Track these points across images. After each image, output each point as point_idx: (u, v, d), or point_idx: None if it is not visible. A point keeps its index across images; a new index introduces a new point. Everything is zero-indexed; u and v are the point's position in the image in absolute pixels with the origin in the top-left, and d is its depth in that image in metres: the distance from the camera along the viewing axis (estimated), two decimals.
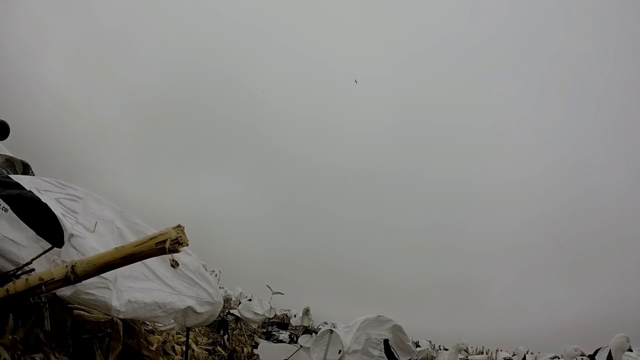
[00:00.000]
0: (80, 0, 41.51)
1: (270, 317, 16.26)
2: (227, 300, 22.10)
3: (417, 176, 52.55)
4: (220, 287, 23.59)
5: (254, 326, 15.72)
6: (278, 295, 18.16)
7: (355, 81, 45.77)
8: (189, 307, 4.51)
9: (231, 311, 15.75)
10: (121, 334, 4.78)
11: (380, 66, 62.42)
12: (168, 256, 3.34)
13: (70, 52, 40.87)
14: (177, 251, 3.11)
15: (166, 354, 6.79)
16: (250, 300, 16.17)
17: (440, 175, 53.05)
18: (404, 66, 60.19)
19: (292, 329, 15.53)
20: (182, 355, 5.99)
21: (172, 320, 4.89)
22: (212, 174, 47.34)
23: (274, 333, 13.10)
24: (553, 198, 45.97)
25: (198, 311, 4.61)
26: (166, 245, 3.03)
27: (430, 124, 56.23)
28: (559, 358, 16.47)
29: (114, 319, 4.43)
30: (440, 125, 55.78)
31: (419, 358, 16.93)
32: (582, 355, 9.77)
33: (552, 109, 50.87)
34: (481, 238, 43.44)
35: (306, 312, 15.67)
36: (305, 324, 15.71)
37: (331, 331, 6.41)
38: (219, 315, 16.22)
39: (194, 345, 6.91)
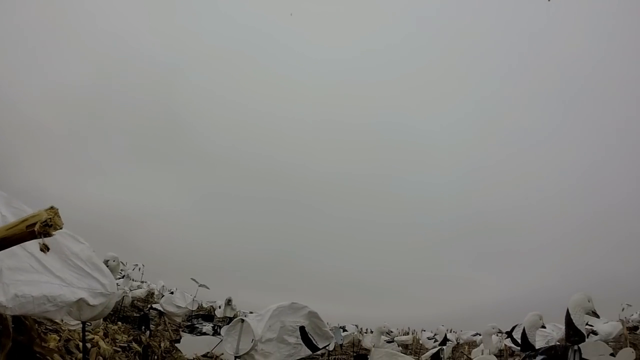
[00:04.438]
0: None
1: (194, 309, 15.80)
2: (150, 294, 21.45)
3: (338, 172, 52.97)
4: (143, 282, 22.92)
5: (178, 320, 15.25)
6: (205, 288, 17.74)
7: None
8: (81, 299, 4.12)
9: (154, 305, 15.23)
10: (10, 330, 4.42)
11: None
12: (39, 240, 3.08)
13: None
14: (49, 234, 2.84)
15: (70, 352, 6.37)
16: (172, 293, 15.64)
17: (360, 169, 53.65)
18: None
19: (217, 321, 15.20)
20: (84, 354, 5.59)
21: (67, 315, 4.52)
22: (137, 166, 45.71)
23: (197, 326, 12.67)
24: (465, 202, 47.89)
25: (91, 303, 4.23)
26: (36, 228, 2.76)
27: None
28: (479, 335, 17.19)
29: (3, 314, 4.08)
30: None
31: (346, 342, 17.08)
32: (500, 332, 10.18)
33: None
34: (395, 231, 44.81)
35: (228, 302, 15.30)
36: (229, 315, 15.39)
37: (242, 320, 6.17)
38: (140, 311, 15.76)
39: (101, 342, 6.48)
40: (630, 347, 10.31)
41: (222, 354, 8.45)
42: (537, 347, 5.84)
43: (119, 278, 14.91)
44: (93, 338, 6.45)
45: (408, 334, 23.19)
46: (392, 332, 20.89)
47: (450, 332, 18.31)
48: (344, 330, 17.85)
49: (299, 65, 58.71)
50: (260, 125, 54.11)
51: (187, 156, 51.55)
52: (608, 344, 10.72)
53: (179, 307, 14.38)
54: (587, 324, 13.97)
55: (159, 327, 13.17)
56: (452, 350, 16.10)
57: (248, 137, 54.20)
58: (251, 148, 52.85)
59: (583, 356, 6.26)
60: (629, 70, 42.01)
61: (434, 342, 15.33)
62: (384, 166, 53.14)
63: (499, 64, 54.31)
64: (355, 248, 43.77)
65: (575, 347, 4.48)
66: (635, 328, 15.99)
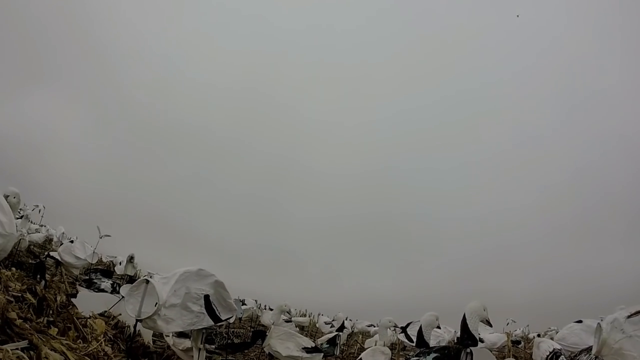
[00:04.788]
0: None
1: (94, 262, 15.07)
2: (48, 240, 20.16)
3: (251, 145, 52.66)
4: (41, 225, 21.54)
5: (76, 272, 14.49)
6: (106, 240, 16.97)
7: None
8: None
9: (51, 253, 14.36)
10: None
11: None
12: None
13: None
14: None
15: None
16: (72, 242, 14.76)
17: (268, 147, 53.70)
18: None
19: (117, 278, 14.61)
20: None
21: None
22: (48, 94, 41.59)
23: (95, 281, 12.02)
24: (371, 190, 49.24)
25: None
26: None
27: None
28: (374, 326, 17.83)
29: None
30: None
31: (244, 315, 17.11)
32: (395, 326, 10.61)
33: None
34: (301, 218, 45.46)
35: (130, 259, 14.65)
36: (130, 273, 14.80)
37: (147, 281, 5.93)
38: (37, 258, 14.88)
39: None
40: (512, 358, 11.19)
41: (120, 314, 8.15)
42: (430, 345, 6.14)
43: (17, 218, 13.95)
44: None
45: (305, 315, 23.59)
46: (290, 312, 21.24)
47: (347, 319, 18.83)
48: (244, 304, 17.86)
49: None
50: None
51: (111, 95, 48.31)
52: (492, 352, 11.59)
53: (78, 258, 13.64)
54: None
55: (55, 278, 12.51)
56: (347, 338, 16.58)
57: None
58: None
59: None
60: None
61: (331, 327, 15.70)
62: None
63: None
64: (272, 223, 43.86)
65: (468, 350, 4.74)
66: (517, 342, 17.29)
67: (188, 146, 49.91)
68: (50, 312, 6.96)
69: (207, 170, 47.78)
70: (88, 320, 7.45)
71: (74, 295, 9.93)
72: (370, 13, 57.95)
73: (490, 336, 15.33)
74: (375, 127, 54.47)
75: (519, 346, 16.89)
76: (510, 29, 48.96)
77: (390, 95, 57.02)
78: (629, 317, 5.73)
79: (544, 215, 40.63)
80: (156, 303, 5.70)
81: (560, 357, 10.33)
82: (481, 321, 5.25)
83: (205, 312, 6.39)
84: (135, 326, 6.46)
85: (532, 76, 50.32)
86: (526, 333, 20.95)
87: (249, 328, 16.13)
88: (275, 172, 50.99)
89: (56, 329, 6.36)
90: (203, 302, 6.36)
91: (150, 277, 6.95)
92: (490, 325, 5.79)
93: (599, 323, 6.17)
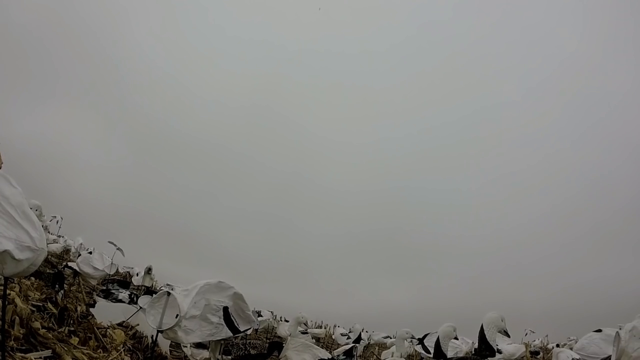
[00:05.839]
0: None
1: (111, 273, 15.25)
2: (66, 251, 20.41)
3: (262, 163, 53.09)
4: (59, 236, 21.75)
5: (94, 282, 14.65)
6: (124, 251, 17.15)
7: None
8: (5, 251, 3.70)
9: (69, 264, 14.55)
10: None
11: None
12: None
13: None
14: None
15: None
16: (90, 253, 14.97)
17: (279, 165, 54.15)
18: None
19: (133, 289, 14.75)
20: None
21: None
22: (68, 106, 41.95)
23: (113, 291, 12.15)
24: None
25: (17, 257, 3.80)
26: None
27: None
28: (391, 337, 17.74)
29: None
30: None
31: (260, 327, 17.12)
32: (413, 337, 10.57)
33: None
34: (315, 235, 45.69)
35: (148, 271, 14.81)
36: (147, 284, 14.96)
37: (169, 293, 6.00)
38: (55, 268, 15.03)
39: (17, 300, 6.13)
40: None
41: (138, 324, 8.24)
42: (448, 357, 6.13)
43: None
44: (9, 294, 6.05)
45: (321, 327, 23.53)
46: (307, 323, 21.20)
47: (363, 331, 18.78)
48: (260, 316, 17.88)
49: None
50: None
51: (129, 108, 48.88)
52: None
53: (96, 269, 13.82)
54: None
55: (72, 288, 12.67)
56: (363, 349, 16.51)
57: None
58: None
59: None
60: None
61: (347, 338, 15.65)
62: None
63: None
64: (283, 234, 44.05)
65: None
66: (536, 353, 17.11)
67: (202, 163, 50.25)
68: (71, 322, 7.07)
69: (221, 185, 48.22)
70: (107, 330, 7.57)
71: (92, 305, 10.06)
72: (393, 39, 58.12)
73: (509, 347, 15.22)
74: (382, 146, 54.78)
75: (538, 357, 16.72)
76: (517, 41, 48.97)
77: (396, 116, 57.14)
78: None
79: (560, 228, 40.30)
80: (177, 315, 5.77)
81: None
82: (499, 332, 5.26)
83: (224, 324, 6.46)
84: (155, 337, 6.54)
85: (546, 92, 50.01)
86: (545, 343, 20.71)
87: (265, 339, 16.14)
88: (287, 190, 51.35)
89: (77, 339, 6.48)
90: (222, 313, 6.43)
91: (171, 289, 7.04)
92: (509, 336, 5.79)
93: (617, 332, 6.14)
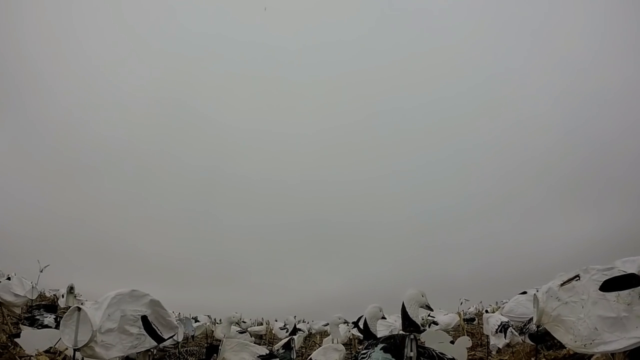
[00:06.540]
0: None
1: (34, 298, 14.34)
2: None
3: (179, 158, 52.15)
4: None
5: (17, 311, 13.81)
6: (47, 273, 16.25)
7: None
8: None
9: None
10: None
11: None
12: None
13: None
14: None
15: None
16: (9, 279, 14.00)
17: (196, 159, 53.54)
18: None
19: (61, 311, 13.96)
20: None
21: None
22: None
23: (37, 317, 11.48)
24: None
25: None
26: None
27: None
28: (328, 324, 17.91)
29: None
30: None
31: (198, 332, 16.78)
32: (346, 322, 10.67)
33: None
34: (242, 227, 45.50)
35: (70, 290, 14.02)
36: (71, 304, 14.12)
37: (79, 309, 5.68)
38: None
39: None
40: (468, 335, 11.50)
41: (67, 348, 7.80)
42: (378, 336, 6.18)
43: None
44: None
45: (262, 324, 23.38)
46: (244, 322, 20.97)
47: (302, 322, 18.80)
48: (196, 321, 17.49)
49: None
50: None
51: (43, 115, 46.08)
52: (448, 333, 11.88)
53: (17, 295, 13.00)
54: (429, 316, 15.41)
55: None
56: (304, 340, 16.52)
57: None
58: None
59: (427, 344, 6.82)
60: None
61: (286, 332, 15.61)
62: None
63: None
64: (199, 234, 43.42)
65: (412, 336, 4.79)
66: (472, 319, 17.77)
67: (114, 166, 48.38)
68: None
69: (136, 190, 46.82)
70: (32, 358, 7.16)
71: (17, 335, 9.42)
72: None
73: (444, 317, 15.80)
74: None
75: (474, 323, 17.39)
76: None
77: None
78: (562, 285, 5.98)
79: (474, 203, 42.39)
80: (91, 330, 5.46)
81: (509, 329, 10.70)
82: (421, 307, 5.34)
83: (146, 333, 6.19)
84: (73, 356, 6.19)
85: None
86: (480, 310, 21.60)
87: (204, 345, 15.83)
88: (205, 183, 50.69)
89: None
90: (141, 323, 6.15)
91: (82, 304, 6.66)
92: (431, 310, 5.91)
93: (535, 294, 6.42)
